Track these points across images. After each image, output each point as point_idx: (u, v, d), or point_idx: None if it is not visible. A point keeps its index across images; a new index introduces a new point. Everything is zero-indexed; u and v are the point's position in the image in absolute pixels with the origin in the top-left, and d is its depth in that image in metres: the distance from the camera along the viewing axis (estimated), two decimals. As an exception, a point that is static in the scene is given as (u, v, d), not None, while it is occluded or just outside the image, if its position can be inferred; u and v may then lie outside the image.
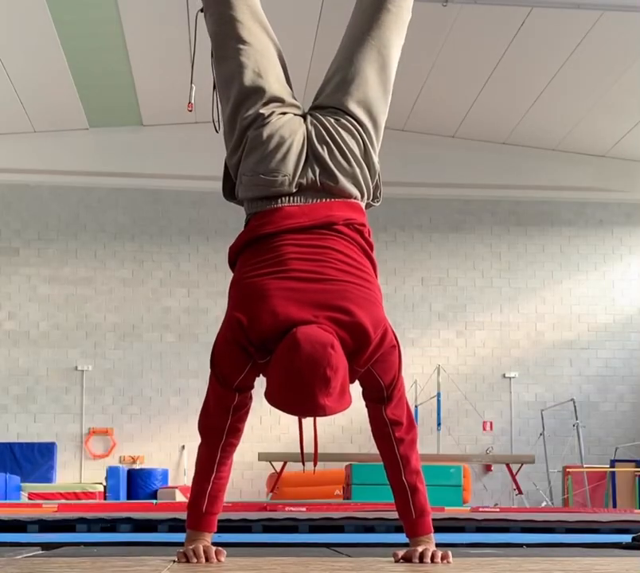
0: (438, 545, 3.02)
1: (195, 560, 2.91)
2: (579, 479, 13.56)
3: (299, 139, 2.95)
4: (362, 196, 3.00)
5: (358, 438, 14.58)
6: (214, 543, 3.03)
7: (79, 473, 14.88)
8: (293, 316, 2.73)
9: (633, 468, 13.16)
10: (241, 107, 2.99)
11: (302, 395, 2.66)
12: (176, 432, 14.73)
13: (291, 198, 2.92)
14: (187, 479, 14.08)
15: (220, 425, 2.90)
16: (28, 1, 11.46)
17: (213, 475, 2.94)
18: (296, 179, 2.91)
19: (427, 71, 13.61)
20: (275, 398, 2.74)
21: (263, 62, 3.03)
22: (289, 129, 2.95)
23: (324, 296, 2.79)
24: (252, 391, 2.93)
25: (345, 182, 2.94)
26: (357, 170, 2.97)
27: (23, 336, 15.04)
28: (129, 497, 13.54)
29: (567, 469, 14.00)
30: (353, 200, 2.97)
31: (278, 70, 3.06)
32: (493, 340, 15.79)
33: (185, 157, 15.18)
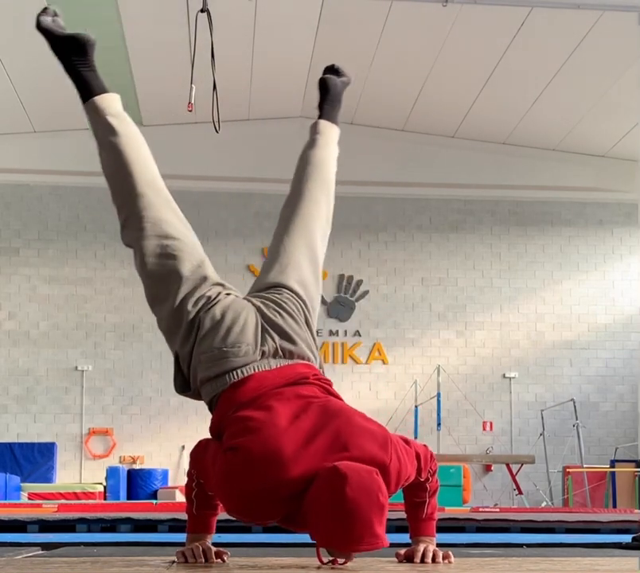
0: (438, 545, 3.03)
1: (194, 560, 2.92)
2: (579, 479, 13.55)
3: (251, 312, 3.04)
4: (314, 361, 3.07)
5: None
6: (214, 544, 3.04)
7: (79, 474, 14.88)
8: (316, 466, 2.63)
9: (633, 468, 13.15)
10: (189, 296, 3.04)
11: (359, 528, 2.51)
12: (176, 432, 14.74)
13: (258, 365, 2.94)
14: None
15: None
16: (28, 1, 11.46)
17: (195, 489, 3.01)
18: (258, 347, 2.96)
19: (427, 71, 13.61)
20: (324, 537, 2.58)
21: (196, 253, 3.14)
22: (239, 304, 3.05)
23: (330, 440, 2.69)
24: None
25: (301, 344, 3.04)
26: (308, 335, 3.10)
27: (23, 336, 15.04)
28: (129, 497, 13.54)
29: (567, 470, 14.00)
30: (310, 363, 3.04)
31: (207, 259, 3.19)
32: (493, 340, 15.78)
33: (185, 157, 15.17)
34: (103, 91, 3.34)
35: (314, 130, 3.51)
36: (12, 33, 12.20)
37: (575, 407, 14.49)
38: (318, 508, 2.55)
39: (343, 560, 2.77)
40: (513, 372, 15.66)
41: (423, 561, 2.93)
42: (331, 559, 2.80)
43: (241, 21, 12.21)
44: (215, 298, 3.04)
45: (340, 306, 15.63)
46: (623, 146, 15.39)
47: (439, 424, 14.55)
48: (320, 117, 3.55)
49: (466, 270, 15.92)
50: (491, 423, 15.31)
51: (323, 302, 15.61)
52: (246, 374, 2.91)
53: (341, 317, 15.61)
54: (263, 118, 15.36)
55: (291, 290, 3.17)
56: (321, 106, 3.57)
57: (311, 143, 3.48)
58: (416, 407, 14.88)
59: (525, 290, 15.97)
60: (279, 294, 3.14)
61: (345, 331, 15.60)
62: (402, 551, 3.03)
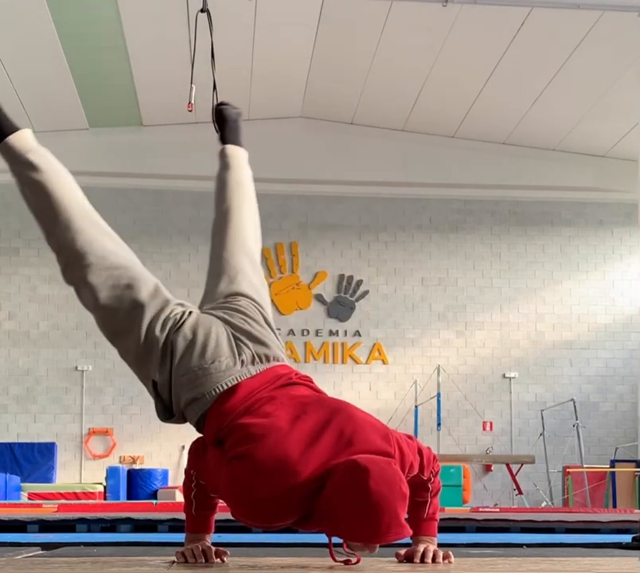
0: (438, 545, 3.03)
1: (194, 560, 2.92)
2: (579, 479, 13.56)
3: (219, 325, 3.04)
4: (286, 361, 3.11)
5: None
6: (214, 544, 3.04)
7: (79, 473, 14.88)
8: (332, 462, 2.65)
9: (633, 468, 13.16)
10: (155, 321, 3.00)
11: (386, 519, 2.53)
12: (176, 432, 14.73)
13: (240, 374, 2.94)
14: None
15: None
16: (28, 1, 11.47)
17: (194, 490, 3.02)
18: (237, 358, 2.97)
19: (427, 71, 13.60)
20: (350, 532, 2.59)
21: (148, 278, 3.14)
22: (206, 320, 3.04)
23: (334, 437, 2.71)
24: None
25: (273, 346, 3.06)
26: (273, 336, 3.11)
27: (23, 336, 15.04)
28: (129, 497, 13.54)
29: (567, 470, 14.00)
30: (285, 363, 3.07)
31: (159, 281, 3.21)
32: (493, 340, 15.78)
33: (185, 157, 15.18)
34: (15, 128, 3.30)
35: (224, 154, 3.65)
36: (12, 33, 12.20)
37: (575, 407, 14.49)
38: (340, 503, 2.55)
39: (355, 560, 2.81)
40: (513, 372, 15.66)
41: (423, 561, 2.93)
42: (345, 559, 2.82)
43: (241, 21, 12.21)
44: (181, 319, 3.01)
45: (340, 306, 15.63)
46: (623, 146, 15.39)
47: (439, 424, 14.56)
48: (225, 143, 3.70)
49: (466, 270, 15.92)
50: (491, 423, 15.31)
51: (323, 302, 15.62)
52: (231, 384, 2.91)
53: (341, 317, 15.61)
54: (263, 118, 15.35)
55: (246, 295, 3.20)
56: (223, 134, 3.74)
57: (225, 166, 3.60)
58: (416, 407, 14.89)
59: (525, 290, 15.97)
60: (236, 301, 3.16)
61: (345, 331, 15.60)
62: (402, 551, 3.03)
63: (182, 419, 3.04)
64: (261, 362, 2.98)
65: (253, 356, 2.99)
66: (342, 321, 15.62)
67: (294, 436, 2.68)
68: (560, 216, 16.14)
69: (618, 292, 16.07)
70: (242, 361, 2.96)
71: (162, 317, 3.00)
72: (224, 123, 3.78)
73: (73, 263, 3.14)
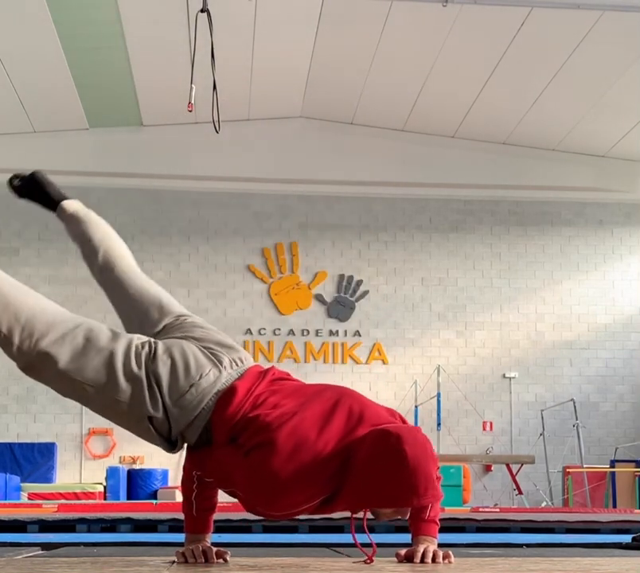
0: (438, 545, 3.03)
1: (194, 560, 2.92)
2: (579, 479, 13.56)
3: (187, 342, 3.05)
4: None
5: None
6: (214, 544, 3.04)
7: (79, 474, 14.88)
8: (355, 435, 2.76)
9: (633, 468, 13.16)
10: (128, 361, 2.96)
11: (423, 482, 2.63)
12: (176, 432, 14.73)
13: (228, 378, 2.98)
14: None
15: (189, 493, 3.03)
16: (28, 1, 11.47)
17: (195, 491, 3.03)
18: (219, 366, 3.00)
19: (427, 71, 13.61)
20: (388, 498, 2.68)
21: (99, 325, 3.15)
22: (172, 342, 3.05)
23: (345, 416, 2.82)
24: None
25: (241, 349, 3.11)
26: (231, 340, 3.17)
27: (23, 336, 15.02)
28: (129, 497, 13.54)
29: (567, 470, 14.00)
30: (257, 363, 3.14)
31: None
32: (493, 340, 15.79)
33: (185, 157, 15.19)
34: None
35: (64, 211, 3.63)
36: (12, 33, 12.20)
37: (575, 407, 14.49)
38: (376, 470, 2.64)
39: (369, 558, 2.90)
40: (513, 372, 15.66)
41: (423, 561, 2.93)
42: (362, 559, 2.91)
43: (241, 21, 12.21)
44: (150, 349, 3.01)
45: (340, 306, 15.63)
46: (623, 146, 15.40)
47: (439, 424, 14.56)
48: (58, 201, 3.68)
49: (466, 270, 15.92)
50: (491, 423, 15.32)
51: (323, 302, 15.62)
52: (225, 387, 2.94)
53: (341, 317, 15.61)
54: (263, 118, 15.36)
55: (185, 314, 3.24)
56: (45, 196, 3.74)
57: (76, 220, 3.58)
58: (416, 407, 14.89)
59: (525, 290, 15.98)
60: (183, 320, 3.19)
61: (345, 331, 15.60)
62: (402, 551, 3.03)
63: (182, 443, 3.01)
64: (238, 365, 3.02)
65: (230, 361, 3.03)
66: (342, 321, 15.62)
67: (308, 419, 2.76)
68: (560, 216, 16.15)
69: (618, 292, 16.07)
70: (224, 368, 3.01)
71: (132, 354, 2.97)
72: (39, 184, 3.79)
73: (39, 359, 3.01)
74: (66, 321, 3.01)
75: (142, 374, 2.94)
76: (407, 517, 2.85)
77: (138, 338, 3.06)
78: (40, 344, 2.93)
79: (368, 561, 2.92)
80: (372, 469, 2.65)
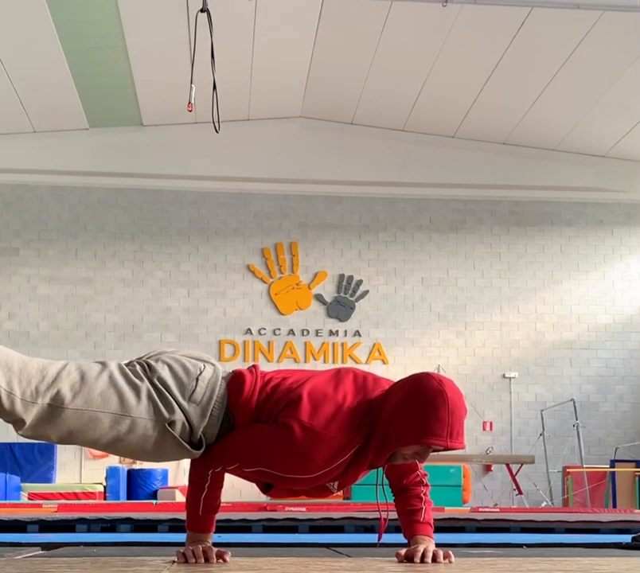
0: (438, 545, 3.03)
1: (194, 560, 2.92)
2: (579, 479, 13.55)
3: (172, 354, 3.12)
4: None
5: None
6: (215, 544, 3.04)
7: (79, 474, 14.88)
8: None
9: (633, 468, 13.15)
10: (128, 378, 2.97)
11: (457, 426, 2.83)
12: (176, 432, 14.72)
13: (224, 369, 3.10)
14: (187, 479, 14.06)
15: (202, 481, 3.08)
16: (28, 1, 11.46)
17: (205, 490, 3.05)
18: (209, 362, 3.10)
19: (427, 71, 13.60)
20: (422, 430, 2.82)
21: (91, 365, 3.06)
22: (156, 357, 3.10)
23: (352, 381, 3.06)
24: None
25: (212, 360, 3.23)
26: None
27: (23, 336, 15.03)
28: (129, 497, 13.53)
29: (567, 470, 14.00)
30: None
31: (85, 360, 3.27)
32: (493, 340, 15.79)
33: (185, 157, 15.19)
34: None
35: None
36: (12, 33, 12.20)
37: (575, 407, 14.49)
38: (416, 407, 2.84)
39: (386, 513, 3.08)
40: (513, 372, 15.66)
41: (423, 561, 2.93)
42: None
43: (241, 21, 12.21)
44: (142, 364, 3.03)
45: (340, 306, 15.63)
46: (623, 146, 15.40)
47: (438, 424, 14.54)
48: None
49: (466, 270, 15.92)
50: (491, 423, 15.32)
51: (323, 302, 15.62)
52: (228, 375, 3.04)
53: (341, 317, 15.61)
54: (263, 118, 15.36)
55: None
56: None
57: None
58: (416, 407, 14.88)
59: (525, 290, 15.97)
60: (145, 355, 3.19)
61: (345, 331, 15.60)
62: (402, 551, 3.02)
63: (205, 442, 3.01)
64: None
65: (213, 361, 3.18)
66: (342, 321, 15.62)
67: (320, 383, 2.97)
68: (560, 216, 16.14)
69: (618, 292, 16.07)
70: (213, 364, 3.12)
71: (128, 372, 2.98)
72: None
73: (47, 413, 2.90)
74: (53, 363, 2.99)
75: (146, 384, 2.96)
76: (421, 463, 3.02)
77: (124, 362, 3.10)
78: (41, 388, 2.88)
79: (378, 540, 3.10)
80: (412, 404, 2.85)
